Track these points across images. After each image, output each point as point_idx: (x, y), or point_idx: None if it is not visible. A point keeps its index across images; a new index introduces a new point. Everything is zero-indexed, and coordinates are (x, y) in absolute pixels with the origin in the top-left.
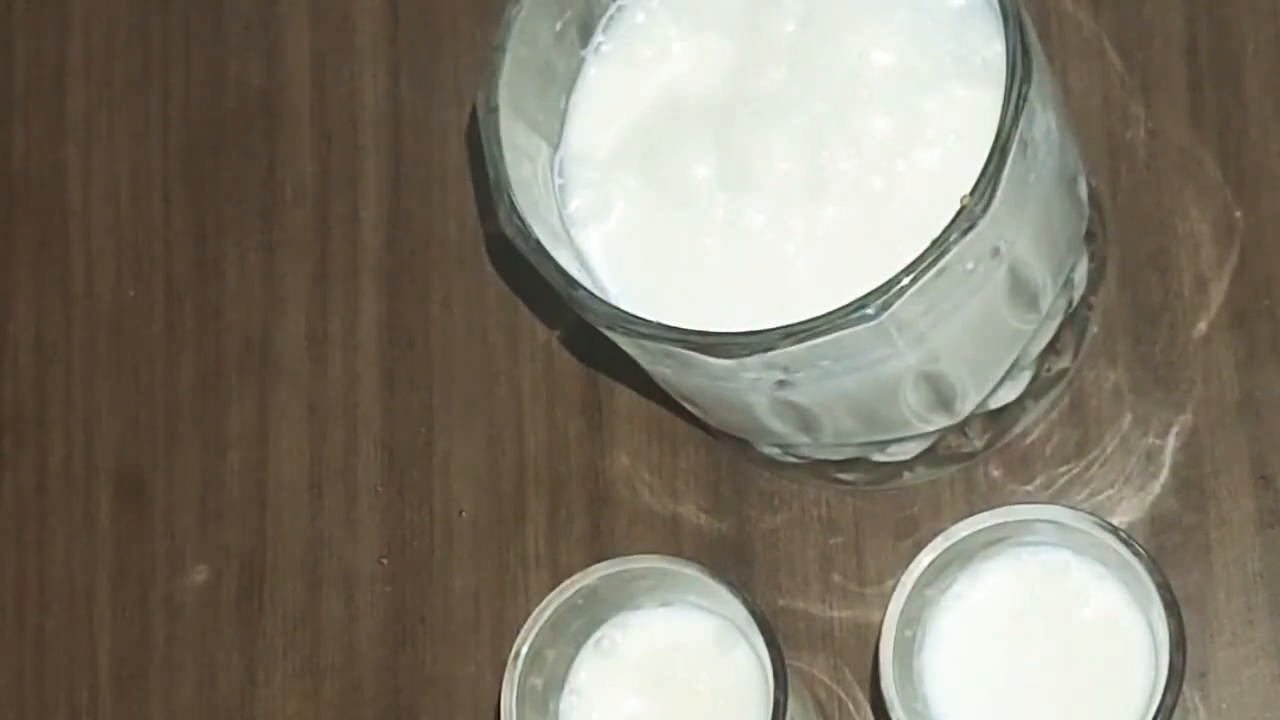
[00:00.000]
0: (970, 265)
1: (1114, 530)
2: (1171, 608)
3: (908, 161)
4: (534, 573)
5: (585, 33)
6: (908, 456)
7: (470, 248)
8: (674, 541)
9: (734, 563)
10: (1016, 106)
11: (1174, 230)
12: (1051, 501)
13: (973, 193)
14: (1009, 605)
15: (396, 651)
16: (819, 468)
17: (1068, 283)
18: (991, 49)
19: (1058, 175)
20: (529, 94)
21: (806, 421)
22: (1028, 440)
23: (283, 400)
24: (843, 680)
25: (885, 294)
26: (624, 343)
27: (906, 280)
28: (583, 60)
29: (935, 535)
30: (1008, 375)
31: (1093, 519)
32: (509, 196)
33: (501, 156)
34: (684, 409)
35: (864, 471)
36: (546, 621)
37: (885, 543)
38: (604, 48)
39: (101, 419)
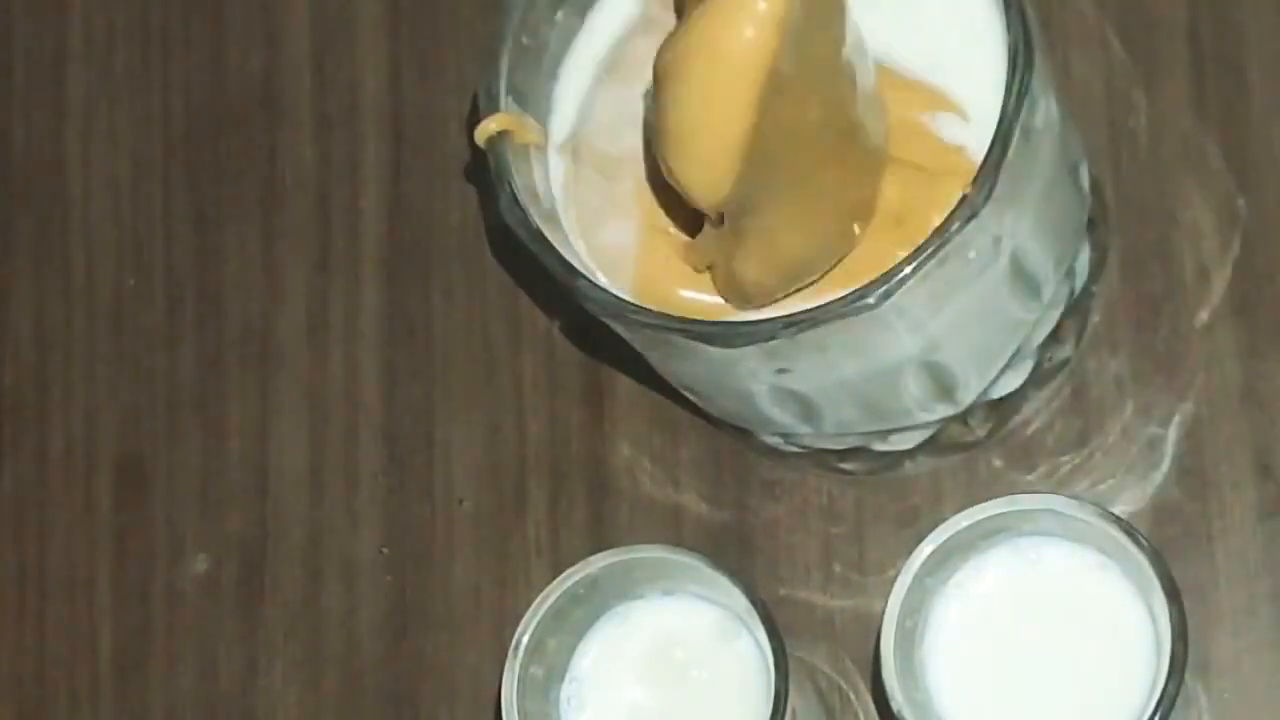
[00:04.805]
0: (972, 254)
1: (1116, 520)
2: (1173, 597)
3: None
4: (535, 562)
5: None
6: (909, 446)
7: (471, 237)
8: (675, 531)
9: (735, 552)
10: (1019, 95)
11: (1176, 219)
12: (1053, 491)
13: (974, 181)
14: (1010, 595)
15: (397, 641)
16: (820, 457)
17: (1069, 272)
18: (995, 34)
19: (1059, 164)
20: (530, 82)
21: (808, 411)
22: (1029, 430)
23: (283, 389)
24: (844, 670)
25: (886, 283)
26: (624, 332)
27: (908, 269)
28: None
29: (937, 525)
30: (1009, 364)
31: (1095, 508)
32: (510, 185)
33: (502, 145)
34: (685, 398)
35: (865, 461)
36: (548, 611)
37: (887, 532)
38: None
39: (101, 408)
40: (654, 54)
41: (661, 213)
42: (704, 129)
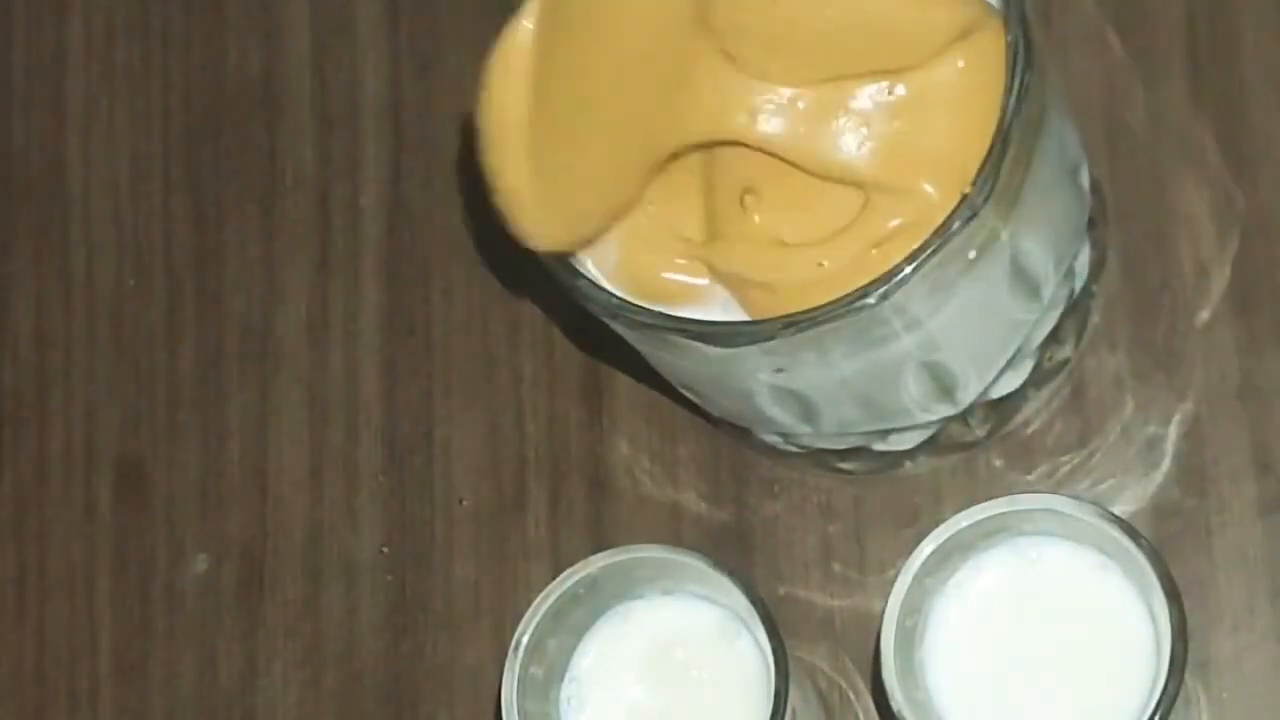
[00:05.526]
0: (972, 254)
1: (1115, 519)
2: (1173, 596)
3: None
4: (534, 561)
5: None
6: (909, 446)
7: (471, 236)
8: (675, 530)
9: (735, 551)
10: (1018, 94)
11: (1175, 216)
12: (1053, 491)
13: (974, 181)
14: (1010, 594)
15: (397, 640)
16: (820, 457)
17: (1070, 271)
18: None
19: (1059, 164)
20: None
21: (807, 410)
22: (1029, 429)
23: (283, 389)
24: (844, 669)
25: (886, 283)
26: (624, 331)
27: (908, 269)
28: None
29: (936, 524)
30: (1009, 364)
31: (1094, 508)
32: None
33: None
34: (685, 398)
35: (865, 460)
36: (547, 611)
37: (886, 532)
38: None
39: (101, 408)
40: None
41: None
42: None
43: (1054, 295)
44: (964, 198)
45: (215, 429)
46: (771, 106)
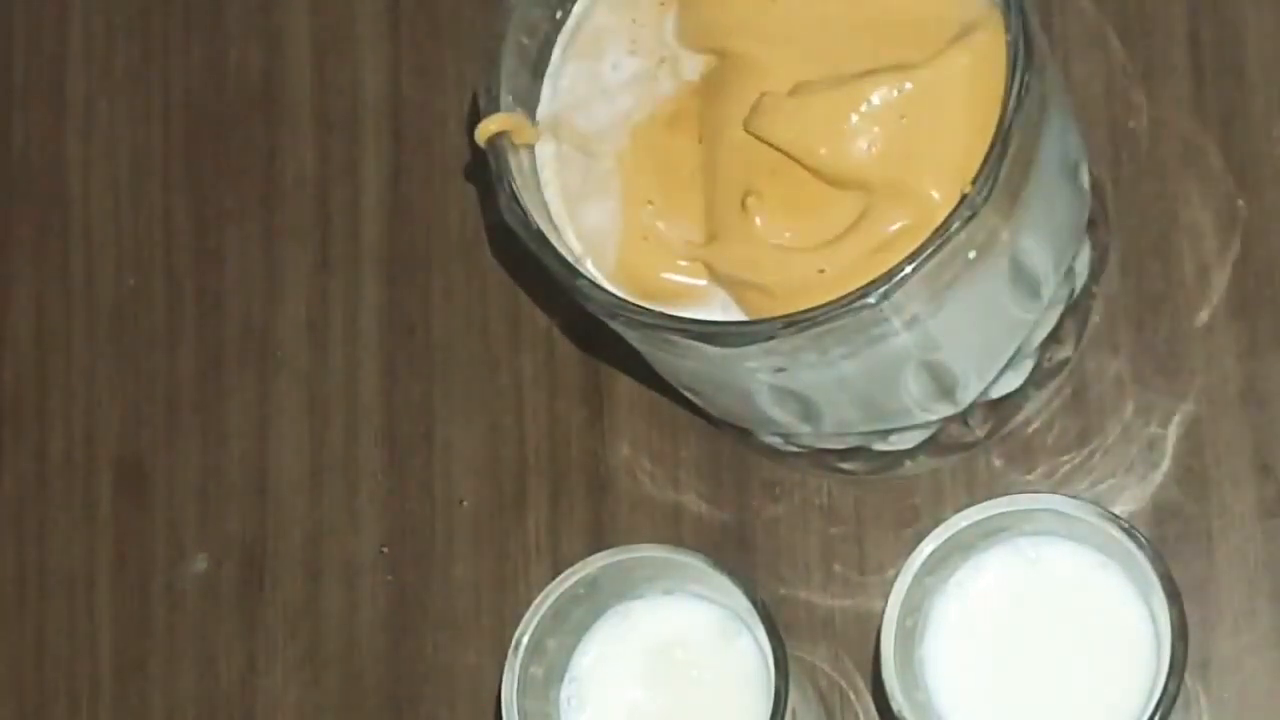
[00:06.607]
0: (972, 254)
1: (1116, 519)
2: (1173, 597)
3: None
4: (535, 562)
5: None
6: (909, 446)
7: (471, 236)
8: (675, 530)
9: (735, 552)
10: (1019, 95)
11: (1176, 219)
12: (1053, 491)
13: (974, 181)
14: (1010, 594)
15: (397, 641)
16: (820, 457)
17: (1070, 271)
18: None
19: (1060, 163)
20: (529, 82)
21: (807, 411)
22: (1029, 429)
23: (283, 389)
24: (844, 669)
25: (886, 283)
26: (624, 331)
27: (908, 269)
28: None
29: (937, 524)
30: (1010, 364)
31: (1094, 508)
32: (509, 185)
33: (502, 144)
34: (685, 398)
35: (865, 461)
36: (547, 611)
37: (886, 532)
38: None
39: (102, 408)
40: (613, 27)
41: (641, 191)
42: None
43: (1054, 295)
44: (964, 198)
45: (215, 429)
46: (774, 104)
